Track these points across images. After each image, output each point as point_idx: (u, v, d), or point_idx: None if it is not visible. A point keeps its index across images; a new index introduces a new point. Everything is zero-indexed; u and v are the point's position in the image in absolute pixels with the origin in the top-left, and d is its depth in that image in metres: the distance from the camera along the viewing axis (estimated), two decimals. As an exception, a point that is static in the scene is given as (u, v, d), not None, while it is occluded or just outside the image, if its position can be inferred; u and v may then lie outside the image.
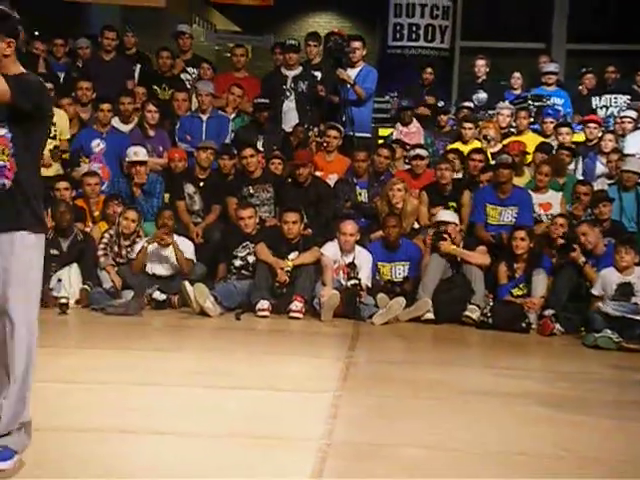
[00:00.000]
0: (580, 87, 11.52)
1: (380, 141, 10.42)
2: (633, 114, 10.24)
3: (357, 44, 10.20)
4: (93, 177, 8.98)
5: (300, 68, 10.26)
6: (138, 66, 10.84)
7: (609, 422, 5.16)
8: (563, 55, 14.11)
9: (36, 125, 3.84)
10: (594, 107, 11.01)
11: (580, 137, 10.21)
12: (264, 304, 7.99)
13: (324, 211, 9.02)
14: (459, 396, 5.53)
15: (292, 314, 7.95)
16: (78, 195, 9.04)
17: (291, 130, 9.96)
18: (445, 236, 8.20)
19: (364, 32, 12.96)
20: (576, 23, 14.37)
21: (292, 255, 8.32)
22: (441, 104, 10.88)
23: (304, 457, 4.20)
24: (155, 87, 10.50)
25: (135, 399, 5.15)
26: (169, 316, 7.97)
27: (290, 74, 10.20)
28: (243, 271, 8.42)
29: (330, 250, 8.27)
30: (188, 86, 10.49)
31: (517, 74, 11.41)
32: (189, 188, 9.16)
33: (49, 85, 8.93)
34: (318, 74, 10.31)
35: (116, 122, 9.63)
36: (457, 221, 8.48)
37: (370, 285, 8.18)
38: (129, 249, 8.47)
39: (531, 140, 9.88)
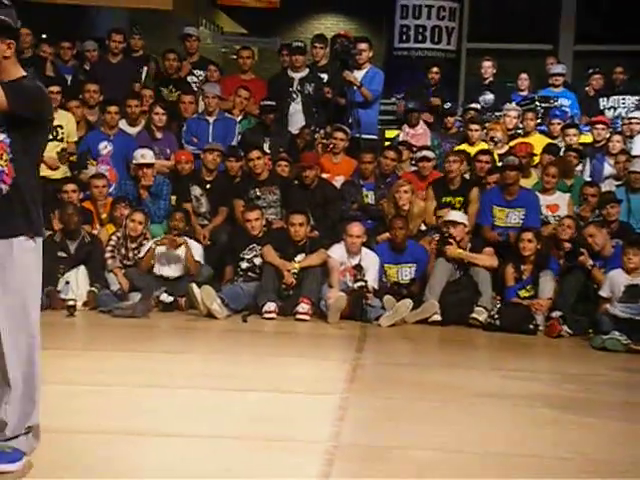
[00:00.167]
0: (587, 88, 11.50)
1: (387, 143, 10.41)
2: (641, 115, 10.22)
3: (363, 46, 10.20)
4: (100, 179, 9.00)
5: (307, 70, 10.26)
6: (145, 68, 10.84)
7: (616, 424, 5.15)
8: (570, 56, 14.06)
9: (35, 130, 3.81)
10: (602, 108, 10.97)
11: (588, 138, 10.18)
12: (271, 306, 8.00)
13: (331, 213, 9.01)
14: (466, 398, 5.52)
15: (299, 316, 7.95)
16: (85, 197, 9.06)
17: (298, 132, 9.95)
18: (450, 240, 8.20)
19: (370, 34, 12.94)
20: (583, 24, 14.33)
21: (299, 257, 8.33)
22: (448, 106, 10.86)
23: (311, 459, 4.19)
24: (162, 88, 10.52)
25: (142, 401, 5.16)
26: (176, 318, 7.99)
27: (297, 76, 10.20)
28: (250, 273, 8.42)
29: (337, 252, 8.27)
30: (195, 88, 10.49)
31: (524, 75, 11.37)
32: (196, 190, 9.17)
33: (56, 88, 9.11)
34: (325, 76, 10.32)
35: (123, 124, 9.66)
36: (466, 222, 8.47)
37: (377, 287, 8.17)
38: (136, 251, 8.48)
39: (538, 141, 9.86)
